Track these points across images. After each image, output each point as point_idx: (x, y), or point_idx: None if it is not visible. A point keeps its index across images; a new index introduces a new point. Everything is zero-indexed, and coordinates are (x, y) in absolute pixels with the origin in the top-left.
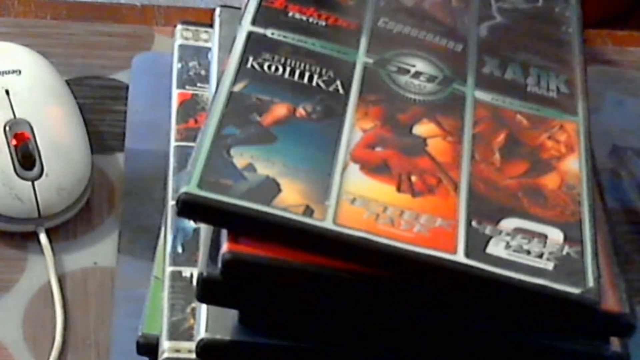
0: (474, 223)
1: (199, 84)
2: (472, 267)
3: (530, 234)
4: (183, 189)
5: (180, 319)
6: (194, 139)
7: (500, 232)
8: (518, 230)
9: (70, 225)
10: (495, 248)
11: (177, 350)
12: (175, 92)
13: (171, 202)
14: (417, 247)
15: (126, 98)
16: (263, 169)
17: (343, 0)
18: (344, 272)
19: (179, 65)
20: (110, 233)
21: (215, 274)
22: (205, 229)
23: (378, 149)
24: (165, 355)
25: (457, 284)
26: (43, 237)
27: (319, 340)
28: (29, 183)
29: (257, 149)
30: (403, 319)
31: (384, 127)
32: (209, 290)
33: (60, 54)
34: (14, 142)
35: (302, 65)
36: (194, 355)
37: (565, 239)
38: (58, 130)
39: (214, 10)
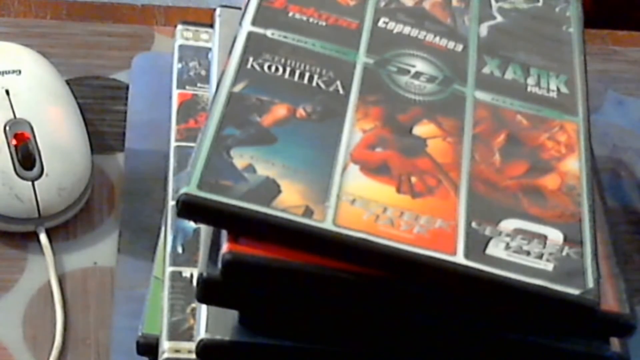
0: (473, 224)
1: (199, 84)
2: (471, 268)
3: (530, 235)
4: (183, 190)
5: (180, 319)
6: (194, 139)
7: (500, 233)
8: (518, 231)
9: (70, 225)
10: (495, 249)
11: (177, 351)
12: (176, 92)
13: (171, 202)
14: (417, 248)
15: (126, 98)
16: (263, 170)
17: (343, 0)
18: (343, 273)
19: (179, 65)
20: (110, 233)
21: (215, 275)
22: (205, 230)
23: (378, 149)
24: (165, 355)
25: (457, 285)
26: (43, 237)
27: (319, 340)
28: (29, 183)
29: (257, 150)
30: (403, 319)
31: (384, 128)
32: (209, 291)
33: (60, 54)
34: (14, 142)
35: (302, 65)
36: (194, 356)
37: (565, 239)
38: (58, 130)
39: (214, 10)
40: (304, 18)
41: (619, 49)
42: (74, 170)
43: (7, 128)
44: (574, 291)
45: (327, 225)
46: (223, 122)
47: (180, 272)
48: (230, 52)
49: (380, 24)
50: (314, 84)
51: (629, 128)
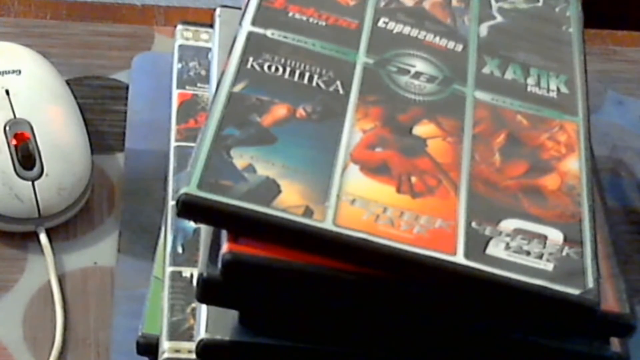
0: (473, 224)
1: (199, 84)
2: (471, 268)
3: (530, 235)
4: (183, 190)
5: (180, 319)
6: (194, 139)
7: (500, 233)
8: (518, 231)
9: (70, 225)
10: (495, 249)
11: (177, 351)
12: (176, 92)
13: (171, 202)
14: (417, 248)
15: (126, 98)
16: (263, 170)
17: (343, 0)
18: (343, 273)
19: (179, 65)
20: (110, 233)
21: (215, 275)
22: (205, 230)
23: (378, 149)
24: (165, 355)
25: (457, 285)
26: (43, 237)
27: (319, 340)
28: (29, 183)
29: (257, 150)
30: (403, 319)
31: (384, 128)
32: (209, 291)
33: (60, 54)
34: (14, 142)
35: (302, 65)
36: (194, 356)
37: (565, 239)
38: (58, 130)
39: (214, 10)
40: (304, 18)
41: (619, 49)
42: (74, 170)
43: (7, 128)
44: (574, 291)
45: (327, 225)
46: (223, 122)
47: (180, 272)
48: (230, 52)
49: (380, 24)
50: (314, 84)
51: (629, 128)
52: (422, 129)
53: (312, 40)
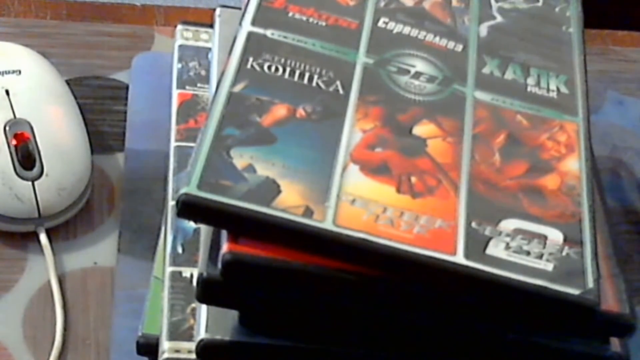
0: (473, 224)
1: (199, 84)
2: (471, 268)
3: (530, 235)
4: (183, 190)
5: (180, 319)
6: (194, 139)
7: (500, 233)
8: (518, 231)
9: (70, 225)
10: (495, 249)
11: (177, 351)
12: (176, 93)
13: (171, 202)
14: (417, 248)
15: (126, 98)
16: (263, 170)
17: (343, 0)
18: (343, 273)
19: (179, 65)
20: (110, 233)
21: (215, 275)
22: (205, 230)
23: (378, 149)
24: (165, 355)
25: (457, 285)
26: (43, 237)
27: (319, 340)
28: (29, 183)
29: (257, 150)
30: (403, 319)
31: (384, 128)
32: (209, 291)
33: (60, 54)
34: (14, 142)
35: (302, 65)
36: (194, 356)
37: (565, 239)
38: (58, 130)
39: (214, 10)
40: (304, 18)
41: (619, 49)
42: (74, 170)
43: (7, 128)
44: (574, 291)
45: (327, 225)
46: (223, 122)
47: (180, 272)
48: (230, 52)
49: (380, 24)
50: (314, 84)
51: (629, 128)
52: (422, 129)
53: (312, 40)
